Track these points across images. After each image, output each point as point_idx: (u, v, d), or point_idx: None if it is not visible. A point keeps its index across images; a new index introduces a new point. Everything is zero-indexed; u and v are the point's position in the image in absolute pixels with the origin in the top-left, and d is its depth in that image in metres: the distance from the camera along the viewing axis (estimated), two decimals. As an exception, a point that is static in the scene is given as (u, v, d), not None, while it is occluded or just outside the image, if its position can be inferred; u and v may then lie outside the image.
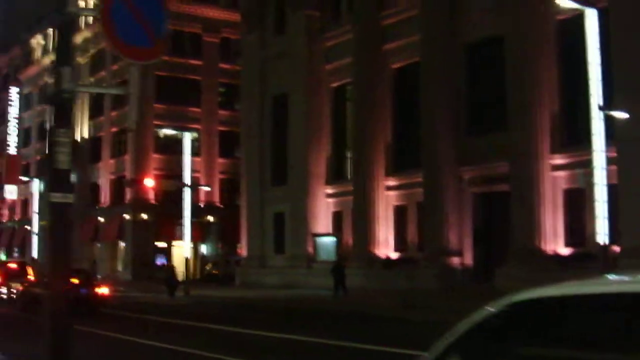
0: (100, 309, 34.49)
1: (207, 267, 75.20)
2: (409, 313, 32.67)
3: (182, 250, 70.55)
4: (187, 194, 52.69)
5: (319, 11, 58.11)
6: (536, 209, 41.47)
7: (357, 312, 34.86)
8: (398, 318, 31.32)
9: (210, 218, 79.06)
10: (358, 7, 53.70)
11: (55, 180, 9.58)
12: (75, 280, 35.03)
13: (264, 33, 63.29)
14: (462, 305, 32.24)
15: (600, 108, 28.85)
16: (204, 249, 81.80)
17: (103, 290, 35.16)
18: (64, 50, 9.80)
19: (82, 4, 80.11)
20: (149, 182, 61.79)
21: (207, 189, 73.91)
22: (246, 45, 66.29)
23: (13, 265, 50.97)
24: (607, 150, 33.83)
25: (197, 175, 73.87)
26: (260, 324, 29.89)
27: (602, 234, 28.89)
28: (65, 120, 9.76)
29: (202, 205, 76.61)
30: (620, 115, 30.41)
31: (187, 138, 53.98)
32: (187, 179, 52.94)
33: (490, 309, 5.54)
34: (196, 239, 71.13)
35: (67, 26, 9.72)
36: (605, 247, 29.00)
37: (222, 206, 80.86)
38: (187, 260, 53.40)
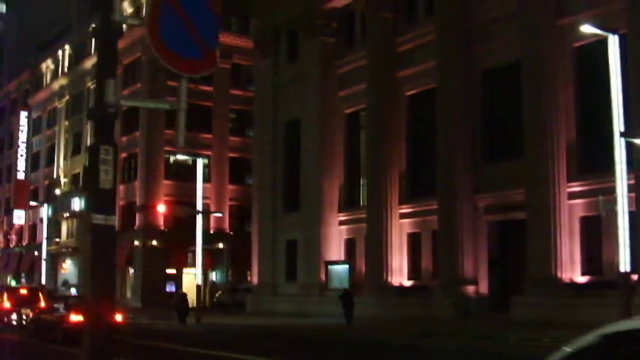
0: (113, 337, 34.00)
1: (217, 295, 74.57)
2: (422, 341, 32.29)
3: (192, 278, 70.25)
4: (199, 220, 52.30)
5: (333, 37, 57.95)
6: (553, 237, 40.99)
7: (372, 340, 34.45)
8: (412, 346, 31.01)
9: (220, 245, 78.67)
10: (372, 34, 53.45)
11: (97, 201, 8.96)
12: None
13: (277, 59, 63.22)
14: (479, 334, 31.93)
15: (622, 135, 28.47)
16: (213, 276, 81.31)
17: (116, 317, 34.65)
18: (108, 61, 9.30)
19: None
20: (161, 208, 61.48)
21: (219, 215, 73.56)
22: (258, 71, 66.24)
23: (24, 291, 50.55)
24: (630, 178, 33.51)
25: (207, 201, 73.51)
26: (277, 353, 29.47)
27: (623, 262, 28.43)
28: (108, 136, 9.19)
29: (211, 232, 76.21)
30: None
31: (200, 164, 53.62)
32: (199, 205, 52.58)
33: (567, 348, 5.20)
34: (206, 267, 70.70)
35: (112, 36, 9.22)
36: (627, 275, 28.52)
37: (231, 233, 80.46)
38: (199, 287, 52.89)
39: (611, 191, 34.25)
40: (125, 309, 51.91)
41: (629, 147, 31.53)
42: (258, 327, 45.71)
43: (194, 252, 53.73)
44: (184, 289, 63.48)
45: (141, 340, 35.81)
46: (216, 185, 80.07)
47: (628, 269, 28.42)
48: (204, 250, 53.73)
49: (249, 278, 74.83)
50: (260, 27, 65.31)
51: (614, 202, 29.04)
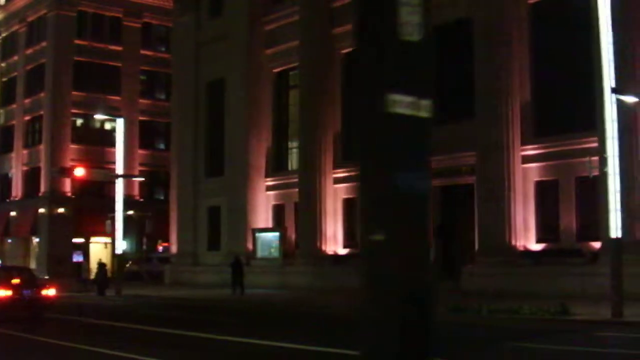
0: (44, 314, 30.52)
1: (128, 265, 70.79)
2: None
3: (101, 247, 66.75)
4: (119, 185, 49.05)
5: (260, -8, 54.91)
6: (505, 202, 39.09)
7: (303, 311, 32.30)
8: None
9: (130, 212, 74.82)
10: (305, -13, 50.52)
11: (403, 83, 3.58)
12: (17, 281, 31.09)
13: (199, 15, 59.57)
14: (441, 305, 29.72)
15: (614, 91, 26.19)
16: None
17: (49, 292, 31.07)
18: None
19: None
20: (79, 172, 57.48)
21: (141, 179, 69.91)
22: (178, 28, 62.45)
23: None
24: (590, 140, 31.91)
25: (114, 166, 69.88)
26: (218, 326, 26.66)
27: (614, 228, 26.19)
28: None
29: (121, 199, 72.53)
30: (630, 99, 27.81)
31: (120, 125, 50.15)
32: (119, 169, 49.26)
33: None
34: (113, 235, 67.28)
35: None
36: (617, 240, 26.28)
37: (141, 200, 76.68)
38: (120, 257, 49.57)
39: (572, 154, 32.46)
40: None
41: (592, 106, 29.85)
42: (182, 299, 43.30)
43: (113, 220, 50.32)
44: (93, 259, 60.06)
45: (69, 316, 32.38)
46: (125, 150, 75.84)
47: (619, 235, 26.19)
48: (112, 218, 50.44)
49: (160, 247, 71.68)
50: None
51: (603, 163, 26.79)
